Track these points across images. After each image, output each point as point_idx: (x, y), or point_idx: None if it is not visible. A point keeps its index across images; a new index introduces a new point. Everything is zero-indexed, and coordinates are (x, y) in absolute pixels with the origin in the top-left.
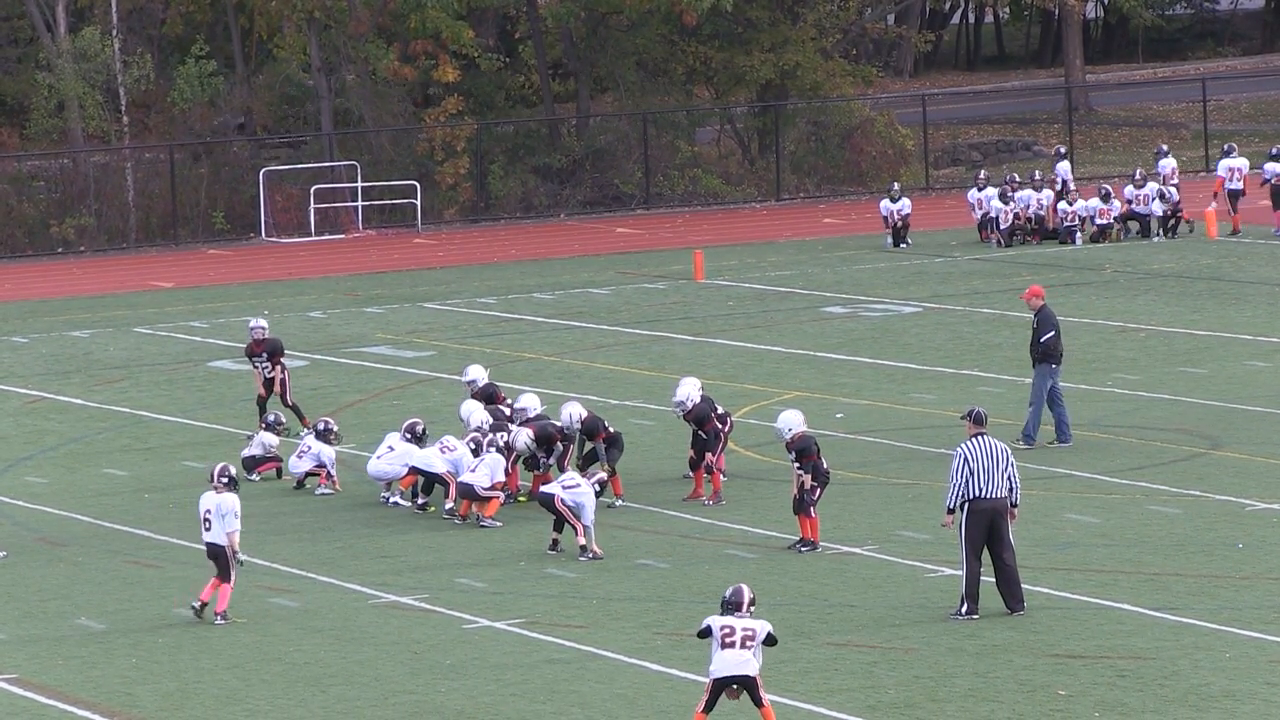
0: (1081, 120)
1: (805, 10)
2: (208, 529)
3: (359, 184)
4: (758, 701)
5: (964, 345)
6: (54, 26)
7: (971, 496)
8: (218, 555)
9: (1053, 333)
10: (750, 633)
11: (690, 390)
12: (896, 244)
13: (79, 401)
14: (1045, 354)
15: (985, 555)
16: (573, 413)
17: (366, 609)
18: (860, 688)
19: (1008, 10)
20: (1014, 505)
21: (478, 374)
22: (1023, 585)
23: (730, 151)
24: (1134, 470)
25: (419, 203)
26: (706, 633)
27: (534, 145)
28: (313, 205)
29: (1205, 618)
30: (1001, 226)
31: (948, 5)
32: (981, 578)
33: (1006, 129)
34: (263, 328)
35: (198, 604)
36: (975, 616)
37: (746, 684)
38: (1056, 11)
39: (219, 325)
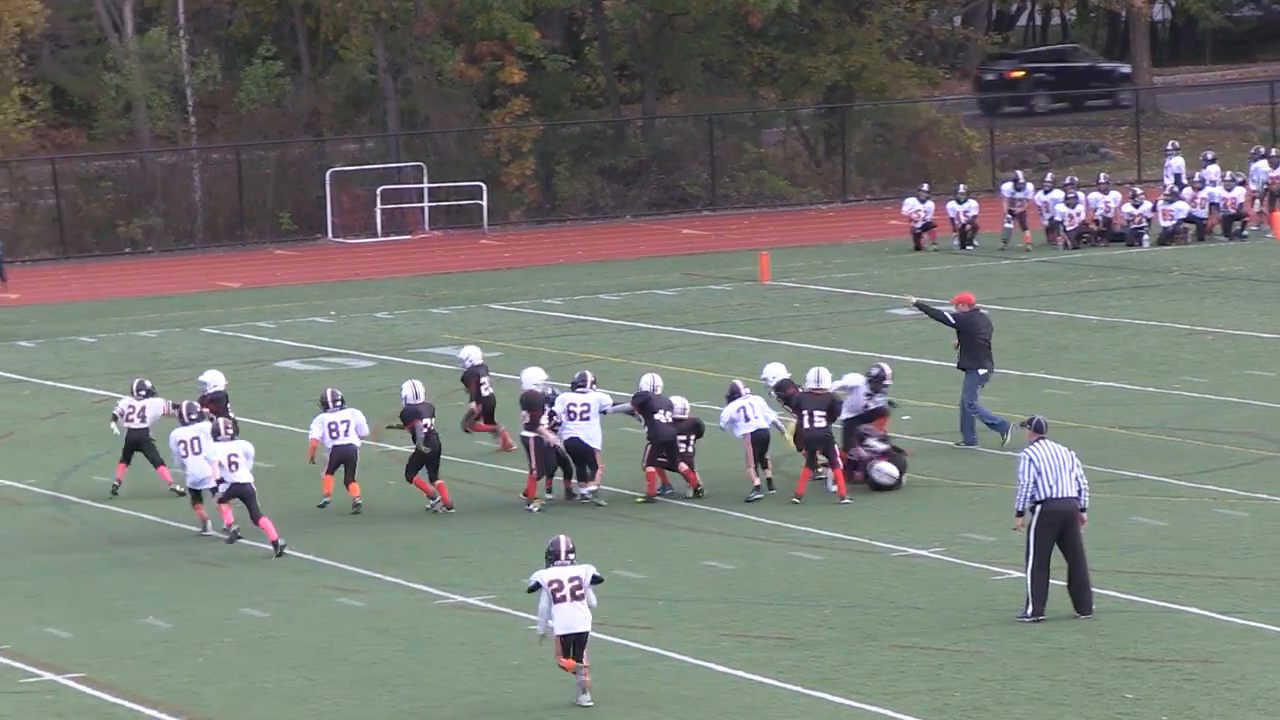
0: (1148, 122)
1: (871, 12)
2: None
3: (425, 185)
4: (579, 655)
5: (1030, 347)
6: (121, 27)
7: (1042, 499)
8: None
9: (957, 332)
10: (577, 581)
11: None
12: (963, 246)
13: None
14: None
15: (1053, 558)
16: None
17: (433, 609)
18: (927, 690)
19: (1074, 12)
20: (1083, 510)
21: (470, 353)
22: (1091, 589)
23: (796, 153)
24: (1202, 473)
25: (485, 204)
26: (535, 588)
27: (600, 146)
28: (379, 206)
29: (1274, 621)
30: (1067, 229)
31: (1014, 7)
32: (1050, 581)
33: (1073, 131)
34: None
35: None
36: (1042, 619)
37: (580, 639)
38: (1124, 14)
39: (286, 325)
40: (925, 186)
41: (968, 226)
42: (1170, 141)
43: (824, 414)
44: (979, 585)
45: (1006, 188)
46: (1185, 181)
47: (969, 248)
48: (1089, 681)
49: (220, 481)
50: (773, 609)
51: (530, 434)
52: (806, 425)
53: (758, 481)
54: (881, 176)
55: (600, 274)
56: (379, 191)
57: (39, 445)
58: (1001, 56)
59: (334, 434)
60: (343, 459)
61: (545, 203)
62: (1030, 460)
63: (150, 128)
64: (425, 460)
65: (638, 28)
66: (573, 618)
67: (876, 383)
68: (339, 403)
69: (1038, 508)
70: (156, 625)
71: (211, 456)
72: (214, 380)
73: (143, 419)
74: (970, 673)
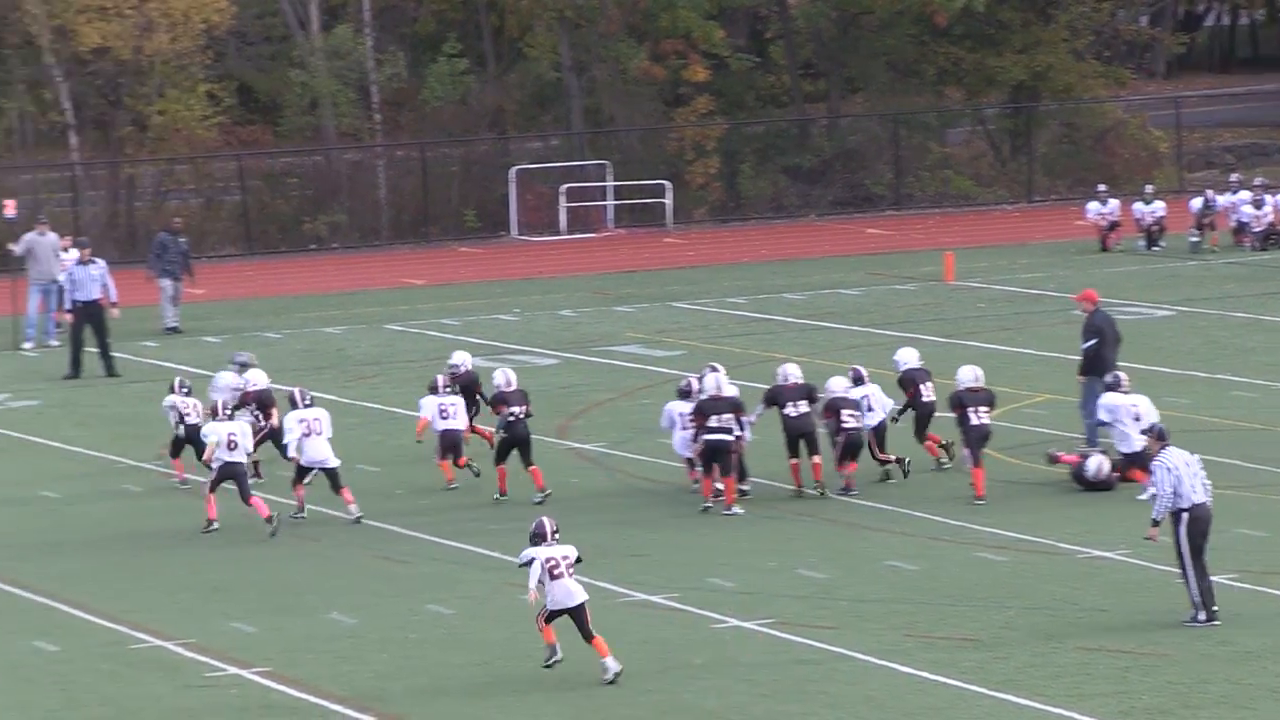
0: None
1: (1057, 11)
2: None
3: (609, 183)
4: (588, 634)
5: (1217, 349)
6: (307, 24)
7: (1188, 506)
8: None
9: (1095, 340)
10: (569, 559)
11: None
12: (1150, 246)
13: (331, 397)
14: (1089, 364)
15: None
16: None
17: (617, 607)
18: (1113, 693)
19: (1263, 13)
20: None
21: (462, 359)
22: (1275, 593)
23: (981, 153)
24: None
25: (669, 202)
26: (528, 563)
27: (784, 145)
28: (563, 204)
29: None
30: (1254, 231)
31: (1202, 7)
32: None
33: (1261, 132)
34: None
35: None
36: (1217, 623)
37: (579, 613)
38: None
39: (470, 323)
40: (1102, 187)
41: (1154, 227)
42: None
43: (987, 409)
44: (1164, 588)
45: (1196, 203)
46: None
47: (1155, 249)
48: (1275, 686)
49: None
50: (956, 610)
51: (730, 439)
52: (974, 422)
53: (889, 462)
54: (1067, 177)
55: (784, 273)
56: (563, 189)
57: None
58: None
59: (444, 415)
60: (452, 444)
61: (729, 201)
62: (1169, 469)
63: (335, 125)
64: (513, 446)
65: (823, 26)
66: (568, 593)
67: (1112, 388)
68: (449, 389)
69: (1184, 515)
70: (341, 620)
71: (210, 435)
72: (256, 378)
73: (198, 414)
74: (1156, 675)
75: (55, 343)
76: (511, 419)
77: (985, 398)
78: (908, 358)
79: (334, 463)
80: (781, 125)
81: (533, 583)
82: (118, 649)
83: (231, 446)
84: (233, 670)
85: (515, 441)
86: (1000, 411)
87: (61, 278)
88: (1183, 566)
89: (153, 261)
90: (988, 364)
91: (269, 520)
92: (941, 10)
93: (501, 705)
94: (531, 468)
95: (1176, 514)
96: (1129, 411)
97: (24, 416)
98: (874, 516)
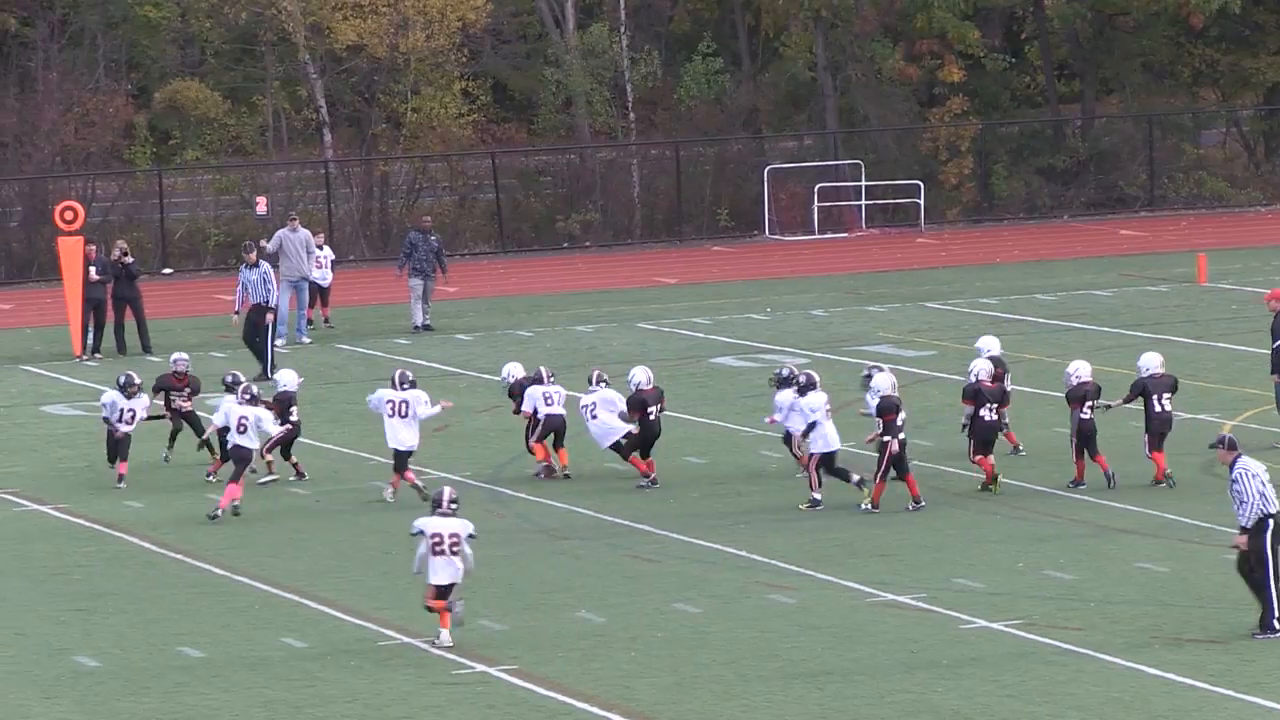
0: None
1: None
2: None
3: (862, 183)
4: (449, 604)
5: None
6: (562, 23)
7: (1275, 512)
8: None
9: None
10: (455, 537)
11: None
12: None
13: (579, 394)
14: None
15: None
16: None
17: (864, 607)
18: None
19: None
20: None
21: (513, 370)
22: None
23: (1235, 155)
24: None
25: (922, 202)
26: (419, 534)
27: (1038, 146)
28: (816, 203)
29: None
30: None
31: None
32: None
33: None
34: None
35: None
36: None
37: (448, 589)
38: None
39: (721, 322)
40: None
41: None
42: None
43: (1169, 395)
44: None
45: None
46: None
47: None
48: None
49: (227, 434)
50: (1204, 612)
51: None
52: (1157, 409)
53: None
54: None
55: (1036, 274)
56: (816, 189)
57: (474, 438)
58: None
59: (549, 402)
60: (553, 428)
61: (983, 202)
62: (1252, 475)
63: (589, 123)
64: (645, 441)
65: (1078, 27)
66: (444, 571)
67: None
68: (552, 377)
69: (1270, 521)
70: (589, 619)
71: (231, 412)
72: (285, 379)
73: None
74: None
75: (307, 339)
76: (650, 417)
77: (1169, 384)
78: (991, 345)
79: (407, 447)
80: (1036, 126)
81: (416, 564)
82: (366, 645)
83: (241, 429)
84: (480, 668)
85: (648, 437)
86: (1252, 412)
87: (316, 274)
88: (1265, 577)
89: (402, 261)
90: (1237, 366)
91: (219, 511)
92: (1197, 12)
93: (746, 705)
94: (649, 459)
95: (1261, 522)
96: None
97: None
98: (1123, 517)
